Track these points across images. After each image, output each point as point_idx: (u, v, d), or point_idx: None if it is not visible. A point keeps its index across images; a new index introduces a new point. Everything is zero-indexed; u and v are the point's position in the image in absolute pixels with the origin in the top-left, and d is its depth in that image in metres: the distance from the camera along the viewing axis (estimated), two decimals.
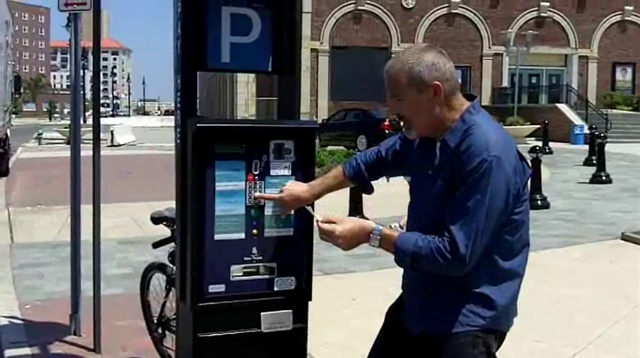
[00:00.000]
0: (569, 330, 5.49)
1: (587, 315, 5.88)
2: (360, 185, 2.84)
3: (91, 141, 4.86)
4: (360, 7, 37.21)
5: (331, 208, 5.68)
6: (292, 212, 2.79)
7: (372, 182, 2.86)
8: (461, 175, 2.25)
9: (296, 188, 2.75)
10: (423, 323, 2.43)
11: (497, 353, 2.48)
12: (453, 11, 38.31)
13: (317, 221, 2.46)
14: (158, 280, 4.59)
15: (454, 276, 2.30)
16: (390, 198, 6.02)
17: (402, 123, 2.44)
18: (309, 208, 2.68)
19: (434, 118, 2.36)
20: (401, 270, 2.54)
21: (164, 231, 4.23)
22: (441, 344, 2.38)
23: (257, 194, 2.74)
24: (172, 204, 3.01)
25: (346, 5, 37.09)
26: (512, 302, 2.43)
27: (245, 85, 35.33)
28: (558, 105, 33.24)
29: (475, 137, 2.27)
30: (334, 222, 2.41)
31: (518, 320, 2.52)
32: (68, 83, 7.84)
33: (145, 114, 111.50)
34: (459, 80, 2.50)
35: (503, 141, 2.29)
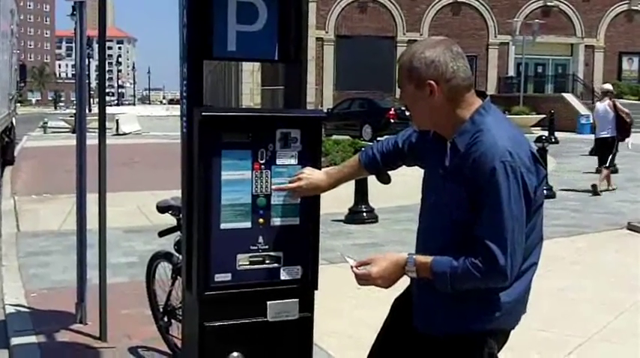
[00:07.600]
0: (574, 320, 5.49)
1: (592, 305, 5.88)
2: (375, 174, 2.83)
3: (97, 130, 4.86)
4: None
5: (338, 198, 5.67)
6: (298, 200, 2.78)
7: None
8: (478, 186, 2.21)
9: (314, 176, 2.74)
10: (427, 323, 2.43)
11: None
12: (459, 0, 38.13)
13: (352, 267, 2.45)
14: (164, 269, 4.60)
15: None
16: (393, 189, 6.01)
17: (407, 113, 2.45)
18: (344, 256, 2.58)
19: (435, 116, 2.34)
20: None
21: (170, 220, 4.23)
22: (443, 344, 2.37)
23: (275, 187, 2.73)
24: (178, 193, 3.00)
25: None
26: (520, 300, 2.39)
27: (250, 74, 35.22)
28: (564, 94, 33.17)
29: (484, 143, 2.23)
30: (368, 263, 2.41)
31: None
32: (73, 72, 7.81)
33: (147, 103, 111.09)
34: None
35: (514, 145, 2.23)
